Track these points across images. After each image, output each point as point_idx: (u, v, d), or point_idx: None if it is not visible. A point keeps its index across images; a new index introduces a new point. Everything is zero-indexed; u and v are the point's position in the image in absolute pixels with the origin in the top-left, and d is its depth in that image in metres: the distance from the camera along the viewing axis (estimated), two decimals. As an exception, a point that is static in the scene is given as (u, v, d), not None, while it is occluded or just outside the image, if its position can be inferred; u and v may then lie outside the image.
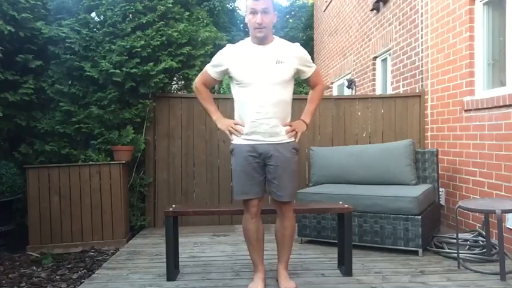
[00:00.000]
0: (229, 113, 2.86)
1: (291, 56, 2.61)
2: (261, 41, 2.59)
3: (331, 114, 4.86)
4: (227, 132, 2.68)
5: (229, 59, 2.61)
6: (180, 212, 3.06)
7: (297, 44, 2.69)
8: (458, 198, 4.13)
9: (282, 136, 2.62)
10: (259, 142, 2.59)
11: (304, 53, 2.69)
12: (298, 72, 2.68)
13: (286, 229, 2.72)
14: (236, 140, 2.65)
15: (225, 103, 4.45)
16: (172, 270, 2.91)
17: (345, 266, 2.94)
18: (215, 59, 2.69)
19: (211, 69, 2.71)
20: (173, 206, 3.16)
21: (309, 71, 2.73)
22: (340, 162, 4.10)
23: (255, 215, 2.65)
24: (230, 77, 2.65)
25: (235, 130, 2.63)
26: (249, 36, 2.66)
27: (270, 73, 2.55)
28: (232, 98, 2.71)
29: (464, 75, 4.02)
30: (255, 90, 2.55)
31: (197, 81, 2.79)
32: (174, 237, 2.93)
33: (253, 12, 2.52)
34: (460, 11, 4.07)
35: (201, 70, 2.90)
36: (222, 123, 2.71)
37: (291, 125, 2.67)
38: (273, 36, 2.65)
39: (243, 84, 2.58)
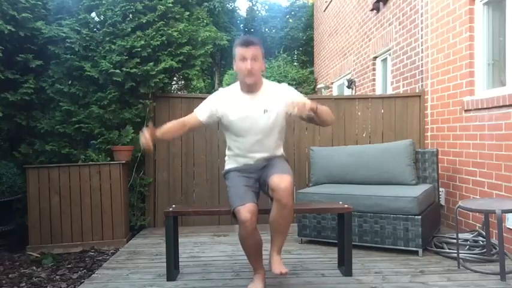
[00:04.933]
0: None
1: (276, 101, 2.60)
2: (250, 89, 2.61)
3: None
4: (141, 138, 2.55)
5: (221, 108, 2.64)
6: (180, 212, 3.06)
7: (284, 85, 2.70)
8: (458, 198, 4.13)
9: (273, 155, 2.74)
10: (253, 163, 2.72)
11: (290, 92, 2.62)
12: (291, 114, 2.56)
13: (284, 219, 2.53)
14: (229, 165, 2.78)
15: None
16: (172, 270, 2.91)
17: (345, 266, 2.94)
18: (207, 105, 2.68)
19: (200, 111, 2.69)
20: (173, 206, 3.16)
21: (301, 111, 2.53)
22: (340, 162, 4.10)
23: (251, 231, 2.47)
24: (221, 123, 2.73)
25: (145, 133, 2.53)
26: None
27: (258, 124, 2.61)
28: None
29: (464, 75, 4.02)
30: (246, 141, 2.66)
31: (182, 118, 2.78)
32: (174, 237, 2.93)
33: (243, 58, 2.53)
34: (460, 11, 4.07)
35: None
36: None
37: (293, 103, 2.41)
38: (262, 80, 2.67)
39: (233, 133, 2.67)
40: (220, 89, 2.77)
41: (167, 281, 2.87)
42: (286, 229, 2.63)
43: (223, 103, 2.65)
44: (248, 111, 2.60)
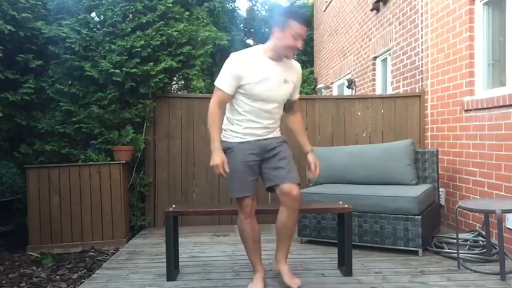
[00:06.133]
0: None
1: (294, 76, 2.68)
2: (277, 58, 2.58)
3: (331, 114, 4.86)
4: (216, 169, 2.51)
5: (246, 70, 2.51)
6: (180, 212, 3.06)
7: (298, 65, 2.74)
8: (458, 198, 4.13)
9: (276, 132, 2.73)
10: (259, 138, 2.63)
11: (301, 75, 2.77)
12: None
13: (294, 222, 2.67)
14: (232, 139, 2.62)
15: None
16: (172, 270, 2.91)
17: (345, 266, 2.94)
18: (230, 74, 2.52)
19: (227, 86, 2.54)
20: (173, 206, 3.16)
21: (297, 94, 2.79)
22: (340, 162, 4.10)
23: (249, 215, 2.63)
24: (240, 86, 2.56)
25: (222, 171, 2.51)
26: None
27: (278, 92, 2.60)
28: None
29: (464, 75, 4.02)
30: (261, 106, 2.58)
31: (213, 104, 2.57)
32: (174, 237, 2.93)
33: (298, 36, 2.50)
34: (460, 11, 4.07)
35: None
36: (218, 157, 2.51)
37: (313, 164, 2.79)
38: None
39: (251, 98, 2.56)
40: (235, 55, 2.57)
41: (167, 281, 2.87)
42: (294, 231, 2.77)
43: (247, 67, 2.52)
44: (271, 76, 2.55)
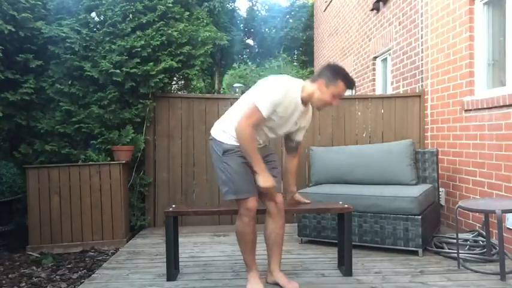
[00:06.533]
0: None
1: (304, 121, 2.77)
2: (306, 103, 2.65)
3: (331, 114, 4.85)
4: (268, 190, 2.58)
5: (284, 104, 2.53)
6: (180, 212, 3.06)
7: (311, 110, 2.80)
8: (458, 198, 4.13)
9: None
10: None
11: (310, 120, 2.85)
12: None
13: (282, 228, 2.75)
14: (232, 141, 2.61)
15: (225, 103, 4.46)
16: (172, 270, 2.91)
17: (345, 266, 2.94)
18: (274, 99, 2.50)
19: (267, 111, 2.50)
20: (173, 206, 3.16)
21: (301, 136, 2.86)
22: (340, 163, 4.10)
23: (253, 218, 2.61)
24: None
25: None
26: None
27: (285, 129, 2.71)
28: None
29: (464, 75, 4.02)
30: (267, 132, 2.66)
31: (250, 126, 2.50)
32: (174, 237, 2.93)
33: (338, 96, 2.60)
34: (460, 11, 4.07)
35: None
36: (271, 179, 2.56)
37: (302, 200, 3.04)
38: None
39: (267, 123, 2.60)
40: (283, 82, 2.58)
41: (167, 281, 2.87)
42: (283, 238, 2.79)
43: (286, 102, 2.54)
44: (292, 117, 2.64)
